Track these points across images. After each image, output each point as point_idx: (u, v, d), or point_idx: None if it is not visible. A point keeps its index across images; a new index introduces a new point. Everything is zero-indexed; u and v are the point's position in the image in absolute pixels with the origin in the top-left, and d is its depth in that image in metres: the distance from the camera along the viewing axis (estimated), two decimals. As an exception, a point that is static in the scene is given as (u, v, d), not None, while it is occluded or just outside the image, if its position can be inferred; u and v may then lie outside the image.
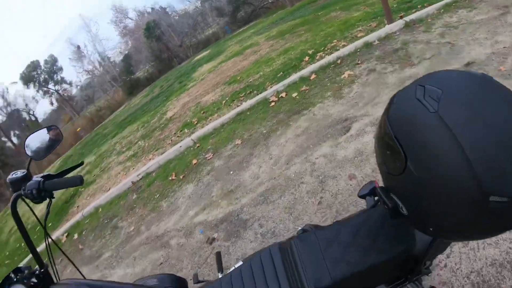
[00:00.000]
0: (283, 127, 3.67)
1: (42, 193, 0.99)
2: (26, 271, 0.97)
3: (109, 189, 5.62)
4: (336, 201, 2.29)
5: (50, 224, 6.01)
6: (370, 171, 2.36)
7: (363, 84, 3.59)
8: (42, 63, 34.64)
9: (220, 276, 1.33)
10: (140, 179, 4.81)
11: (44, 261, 1.02)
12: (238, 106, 5.10)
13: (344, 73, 3.98)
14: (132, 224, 3.72)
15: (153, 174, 4.67)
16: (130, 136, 8.68)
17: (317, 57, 4.98)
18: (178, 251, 2.79)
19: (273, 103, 4.34)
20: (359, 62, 4.08)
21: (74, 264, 1.21)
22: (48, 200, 1.04)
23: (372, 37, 4.41)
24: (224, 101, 5.81)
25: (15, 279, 0.95)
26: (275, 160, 3.16)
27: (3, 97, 32.44)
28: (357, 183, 2.33)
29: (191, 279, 1.42)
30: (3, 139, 24.36)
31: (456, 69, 0.72)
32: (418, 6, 4.92)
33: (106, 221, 4.25)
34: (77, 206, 6.09)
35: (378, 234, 0.95)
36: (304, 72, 4.55)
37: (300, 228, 1.20)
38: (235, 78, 6.96)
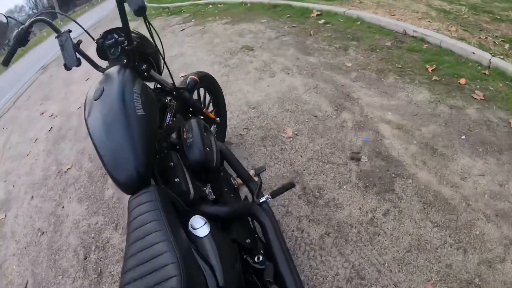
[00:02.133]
0: None
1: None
2: (116, 41, 1.31)
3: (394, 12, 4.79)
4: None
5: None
6: None
7: None
8: None
9: (266, 197, 1.32)
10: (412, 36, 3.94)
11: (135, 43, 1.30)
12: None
13: None
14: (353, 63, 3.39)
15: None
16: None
17: None
18: (348, 126, 2.56)
19: None
20: None
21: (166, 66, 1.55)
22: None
23: None
24: None
25: (108, 42, 1.33)
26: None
27: None
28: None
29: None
30: None
31: None
32: None
33: (347, 36, 3.94)
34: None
35: None
36: None
37: None
38: None
